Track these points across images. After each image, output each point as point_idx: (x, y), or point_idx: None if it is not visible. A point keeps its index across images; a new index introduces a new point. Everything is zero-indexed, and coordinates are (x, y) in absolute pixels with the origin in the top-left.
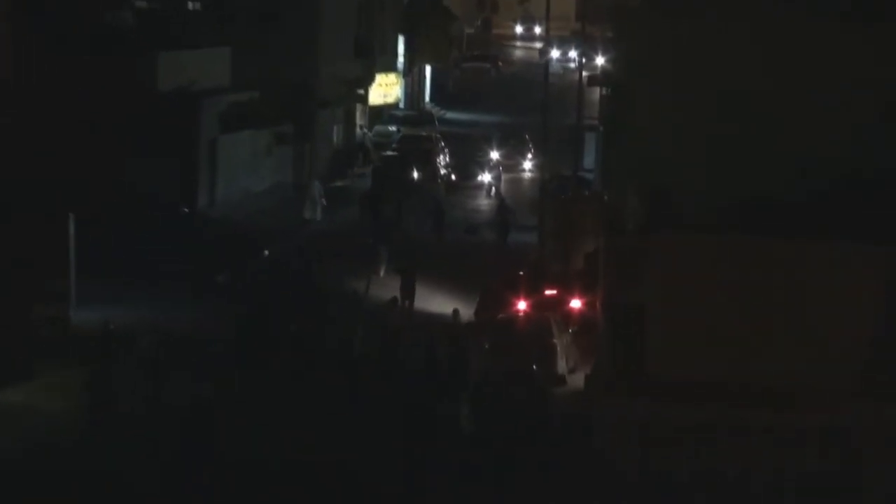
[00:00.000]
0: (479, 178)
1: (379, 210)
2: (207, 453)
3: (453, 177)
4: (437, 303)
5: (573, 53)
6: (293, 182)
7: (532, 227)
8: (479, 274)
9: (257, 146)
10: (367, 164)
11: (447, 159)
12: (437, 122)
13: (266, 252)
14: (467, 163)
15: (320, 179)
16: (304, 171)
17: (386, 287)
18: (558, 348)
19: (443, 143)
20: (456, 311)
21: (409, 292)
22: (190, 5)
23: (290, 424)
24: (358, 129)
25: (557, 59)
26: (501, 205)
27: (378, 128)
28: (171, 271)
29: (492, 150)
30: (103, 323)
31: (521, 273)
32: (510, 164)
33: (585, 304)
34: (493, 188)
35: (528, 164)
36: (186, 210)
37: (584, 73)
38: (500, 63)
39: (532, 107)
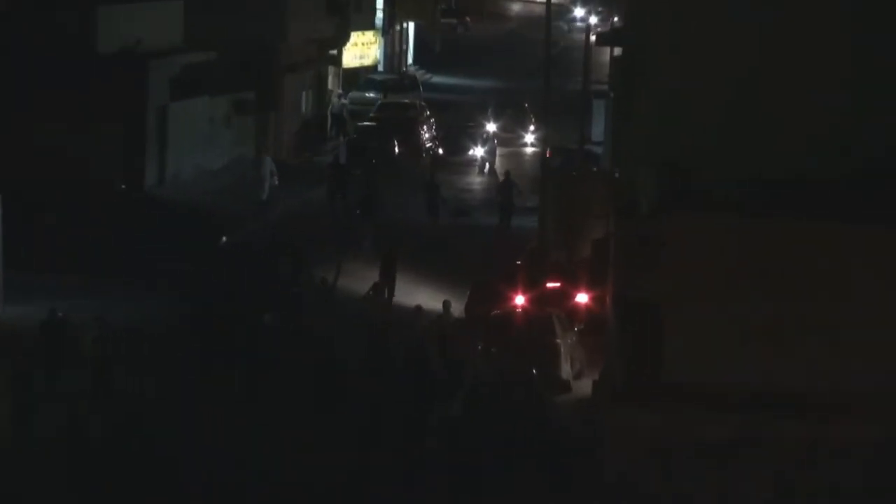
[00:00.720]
0: (471, 152)
1: (346, 183)
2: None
3: (440, 150)
4: (423, 294)
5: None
6: (255, 157)
7: (533, 208)
8: (473, 263)
9: (214, 116)
10: (343, 135)
11: (433, 131)
12: (421, 88)
13: (224, 238)
14: (457, 135)
15: (272, 155)
16: (267, 143)
17: (362, 279)
18: (562, 349)
19: (428, 112)
20: (447, 304)
21: (389, 280)
22: None
23: (247, 437)
24: (335, 97)
25: (581, 19)
26: (506, 181)
27: (354, 94)
28: (116, 260)
29: (486, 120)
30: (50, 311)
31: (519, 262)
32: (508, 136)
33: (593, 299)
34: (487, 164)
35: (528, 137)
36: (123, 187)
37: (593, 31)
38: (468, 19)
39: (532, 70)
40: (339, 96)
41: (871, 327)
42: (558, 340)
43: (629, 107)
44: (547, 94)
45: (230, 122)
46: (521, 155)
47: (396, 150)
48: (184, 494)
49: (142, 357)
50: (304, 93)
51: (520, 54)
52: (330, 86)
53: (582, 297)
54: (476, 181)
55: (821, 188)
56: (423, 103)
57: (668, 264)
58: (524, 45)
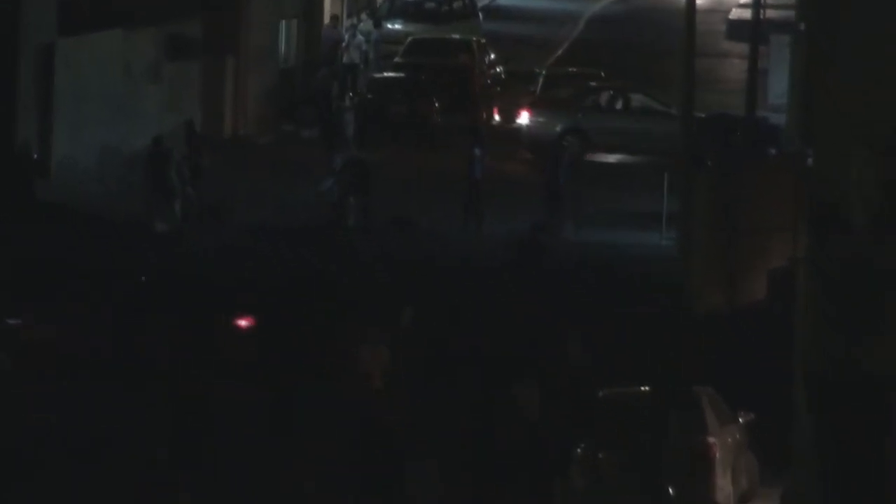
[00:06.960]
0: None
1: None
2: None
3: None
4: None
5: None
6: (202, 130)
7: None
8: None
9: (133, 62)
10: (350, 97)
11: (499, 87)
12: (480, 16)
13: (143, 279)
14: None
15: (188, 135)
16: (220, 108)
17: None
18: (717, 454)
19: (493, 56)
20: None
21: None
22: None
23: None
24: (344, 26)
25: None
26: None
27: (365, 25)
28: None
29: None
30: None
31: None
32: None
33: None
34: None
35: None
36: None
37: None
38: None
39: None
40: (352, 32)
41: None
42: (712, 439)
43: (834, 44)
44: (689, 36)
45: (160, 72)
46: None
47: (438, 118)
48: None
49: None
50: (282, 24)
51: None
52: (329, 10)
53: None
54: None
55: None
56: (483, 40)
57: None
58: None
